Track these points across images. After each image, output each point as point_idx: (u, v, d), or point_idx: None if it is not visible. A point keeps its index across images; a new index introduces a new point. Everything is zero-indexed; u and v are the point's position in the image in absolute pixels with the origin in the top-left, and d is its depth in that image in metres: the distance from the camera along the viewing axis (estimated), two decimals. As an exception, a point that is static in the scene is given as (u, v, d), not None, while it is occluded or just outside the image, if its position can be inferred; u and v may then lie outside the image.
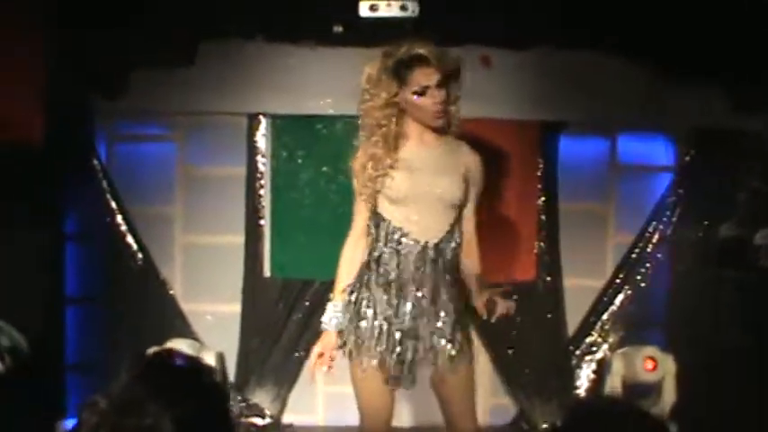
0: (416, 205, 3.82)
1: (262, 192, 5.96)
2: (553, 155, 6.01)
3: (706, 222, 6.03)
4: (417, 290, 3.83)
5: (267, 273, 5.97)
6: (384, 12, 5.48)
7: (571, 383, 6.07)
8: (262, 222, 5.96)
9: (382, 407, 3.95)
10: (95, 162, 5.89)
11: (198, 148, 6.06)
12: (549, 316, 6.04)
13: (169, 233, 6.06)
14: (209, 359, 5.60)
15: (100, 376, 5.60)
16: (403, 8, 5.45)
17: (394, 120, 3.79)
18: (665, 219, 6.09)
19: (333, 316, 3.97)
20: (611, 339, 6.06)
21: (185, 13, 5.53)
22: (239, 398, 5.88)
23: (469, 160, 3.97)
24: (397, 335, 3.84)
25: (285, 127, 5.94)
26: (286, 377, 5.99)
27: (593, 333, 6.09)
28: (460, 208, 3.93)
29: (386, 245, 3.85)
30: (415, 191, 3.82)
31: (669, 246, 6.08)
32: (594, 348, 6.08)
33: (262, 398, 5.97)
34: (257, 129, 5.97)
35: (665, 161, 6.18)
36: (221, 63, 5.80)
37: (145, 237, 5.96)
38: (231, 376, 5.91)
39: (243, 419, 5.87)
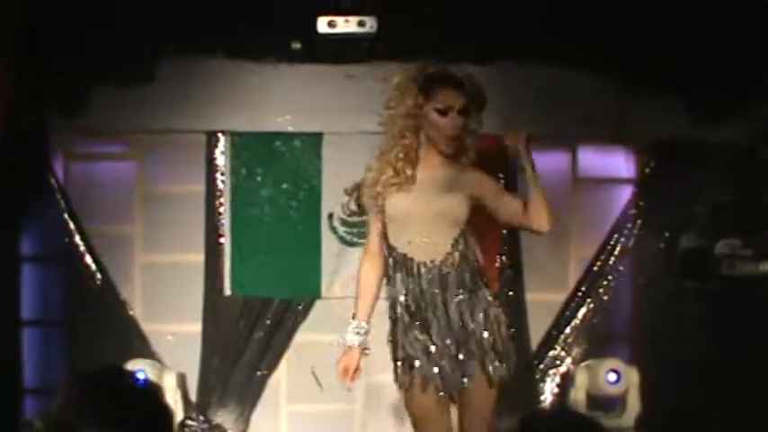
0: (417, 226, 3.78)
1: (221, 209, 5.92)
2: (514, 169, 5.99)
3: (667, 234, 6.05)
4: (442, 308, 3.79)
5: (228, 291, 5.92)
6: (342, 28, 5.47)
7: (535, 397, 6.05)
8: (222, 240, 5.92)
9: (440, 422, 3.87)
10: (52, 181, 5.82)
11: (156, 166, 6.01)
12: (512, 330, 6.00)
13: (128, 252, 6.00)
14: (171, 380, 5.54)
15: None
16: (361, 24, 5.44)
17: (416, 133, 3.75)
18: (626, 231, 6.10)
19: (355, 336, 3.91)
20: (574, 353, 6.05)
21: (144, 31, 5.48)
22: (202, 418, 5.82)
23: (478, 186, 3.87)
24: (433, 353, 3.80)
25: (244, 144, 5.91)
26: (249, 396, 5.94)
27: (556, 347, 6.08)
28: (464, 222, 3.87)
29: (395, 272, 3.82)
30: (414, 211, 3.78)
31: (631, 258, 6.10)
32: (558, 362, 6.07)
33: (224, 418, 5.90)
34: (216, 146, 5.93)
35: (626, 173, 6.20)
36: (180, 81, 5.77)
37: (104, 257, 5.89)
38: (193, 396, 5.85)
39: (205, 440, 5.82)
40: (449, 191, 3.80)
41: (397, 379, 3.88)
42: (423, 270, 3.77)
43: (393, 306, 3.87)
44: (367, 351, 3.95)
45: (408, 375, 3.81)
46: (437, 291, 3.78)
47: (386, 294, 3.97)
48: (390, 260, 3.84)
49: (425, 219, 3.77)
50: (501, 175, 5.88)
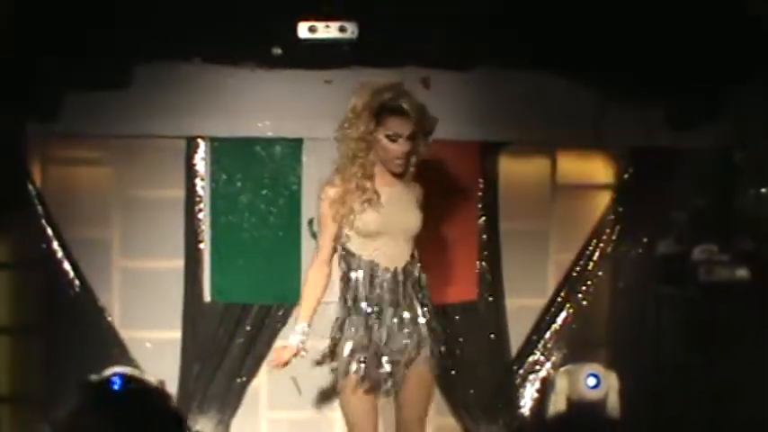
0: (384, 238, 4.20)
1: (201, 215, 5.89)
2: (493, 175, 6.03)
3: (645, 240, 6.09)
4: (394, 310, 4.23)
5: (207, 297, 5.89)
6: (323, 33, 5.46)
7: (515, 402, 6.07)
8: (201, 246, 5.89)
9: (368, 417, 4.26)
10: (29, 186, 5.77)
11: (135, 171, 5.97)
12: (492, 336, 6.03)
13: (107, 258, 5.95)
14: (149, 387, 5.51)
15: (35, 408, 5.47)
16: (342, 30, 5.43)
17: (368, 153, 4.16)
18: (605, 237, 6.13)
19: (298, 336, 4.30)
20: (554, 358, 6.07)
21: (121, 35, 5.45)
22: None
23: (419, 193, 4.38)
24: (377, 350, 4.22)
25: (224, 150, 5.88)
26: (229, 403, 5.91)
27: (536, 352, 6.10)
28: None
29: (360, 276, 4.23)
30: (384, 226, 4.20)
31: (610, 263, 6.13)
32: (538, 367, 6.09)
33: (204, 425, 5.87)
34: (196, 152, 5.90)
35: (604, 179, 6.23)
36: (159, 85, 5.74)
37: (82, 263, 5.84)
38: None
39: (185, 447, 5.78)
40: (407, 206, 4.27)
41: (336, 377, 4.28)
42: (387, 275, 4.21)
43: (345, 305, 4.27)
44: (303, 353, 4.32)
45: (349, 373, 4.20)
46: (390, 295, 4.21)
47: (339, 294, 4.33)
48: (350, 263, 4.25)
49: (392, 233, 4.21)
50: (480, 180, 5.95)
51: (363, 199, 4.17)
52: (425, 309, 4.30)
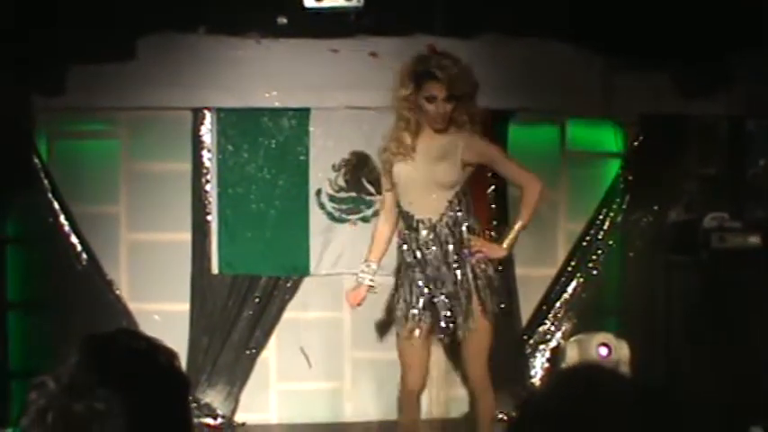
0: (417, 189, 4.53)
1: (208, 187, 5.86)
2: (502, 143, 5.96)
3: (656, 207, 6.05)
4: (439, 260, 4.51)
5: (215, 269, 5.87)
6: (329, 2, 5.41)
7: (526, 372, 6.05)
8: (209, 218, 5.86)
9: (420, 361, 4.61)
10: (36, 160, 5.74)
11: (142, 143, 5.94)
12: (502, 305, 5.98)
13: (114, 232, 5.93)
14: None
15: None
16: (347, -2, 5.38)
17: (412, 112, 4.52)
18: (615, 205, 6.09)
19: (367, 275, 4.71)
20: (564, 327, 6.04)
21: (126, 6, 5.40)
22: (191, 398, 5.77)
23: (464, 147, 4.52)
24: (429, 300, 4.54)
25: (230, 121, 5.85)
26: (238, 375, 5.90)
27: (546, 321, 6.07)
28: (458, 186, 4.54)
29: (403, 227, 4.60)
30: (413, 177, 4.52)
31: (620, 232, 6.09)
32: (548, 337, 6.07)
33: (213, 397, 5.87)
34: (202, 123, 5.86)
35: (614, 147, 6.18)
36: (164, 57, 5.70)
37: (89, 236, 5.82)
38: (181, 376, 5.81)
39: (195, 420, 5.77)
40: (442, 159, 4.52)
41: (396, 322, 4.63)
42: (421, 226, 4.52)
43: (400, 254, 4.62)
44: (375, 289, 4.74)
45: (405, 319, 4.54)
46: (433, 245, 4.50)
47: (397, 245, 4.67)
48: (401, 215, 4.61)
49: (423, 184, 4.52)
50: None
51: (398, 152, 4.54)
52: (469, 259, 4.51)
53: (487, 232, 5.86)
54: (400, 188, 4.59)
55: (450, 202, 4.53)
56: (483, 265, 4.52)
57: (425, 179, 4.52)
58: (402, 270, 4.62)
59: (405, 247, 4.59)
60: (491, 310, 4.56)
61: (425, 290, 4.55)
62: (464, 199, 4.58)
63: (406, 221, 4.57)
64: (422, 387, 4.68)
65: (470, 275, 4.51)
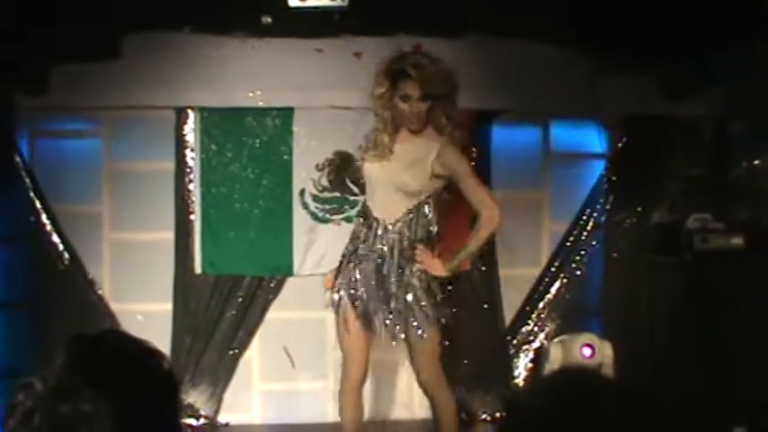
0: (381, 189, 4.52)
1: (191, 187, 5.84)
2: (486, 143, 5.98)
3: (640, 208, 6.07)
4: (384, 260, 4.48)
5: (198, 269, 5.86)
6: (313, 2, 5.40)
7: (509, 373, 6.05)
8: (192, 218, 5.85)
9: (358, 352, 4.60)
10: (18, 159, 5.71)
11: (125, 143, 5.92)
12: (486, 306, 6.00)
13: (96, 231, 5.91)
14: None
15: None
16: (332, -3, 5.36)
17: (388, 111, 4.50)
18: (598, 206, 6.10)
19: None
20: (548, 328, 6.05)
21: (109, 5, 5.37)
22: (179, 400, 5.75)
23: (435, 153, 4.46)
24: (364, 296, 4.52)
25: (214, 120, 5.84)
26: (221, 376, 5.89)
27: (529, 322, 6.08)
28: (424, 195, 4.50)
29: (360, 221, 4.62)
30: (378, 177, 4.53)
31: (604, 233, 6.10)
32: (532, 337, 6.07)
33: (196, 398, 5.86)
34: (185, 122, 5.85)
35: (598, 148, 6.19)
36: (148, 56, 5.68)
37: (71, 236, 5.80)
38: (164, 376, 5.79)
39: (178, 421, 5.74)
40: (412, 165, 4.47)
41: (333, 309, 4.60)
42: (375, 224, 4.51)
43: (350, 243, 4.60)
44: None
45: (342, 311, 4.54)
46: (380, 245, 4.48)
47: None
48: (364, 208, 4.64)
49: (387, 186, 4.50)
50: (473, 149, 5.90)
51: (374, 153, 4.54)
52: (416, 272, 4.46)
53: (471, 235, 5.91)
54: (367, 185, 4.63)
55: (410, 210, 4.49)
56: (423, 276, 4.45)
57: (391, 182, 4.48)
58: (344, 260, 4.59)
59: (354, 238, 4.59)
60: (434, 320, 4.47)
61: (361, 286, 4.50)
62: (426, 210, 4.52)
63: (364, 215, 4.59)
64: (362, 377, 4.64)
65: (414, 283, 4.45)
